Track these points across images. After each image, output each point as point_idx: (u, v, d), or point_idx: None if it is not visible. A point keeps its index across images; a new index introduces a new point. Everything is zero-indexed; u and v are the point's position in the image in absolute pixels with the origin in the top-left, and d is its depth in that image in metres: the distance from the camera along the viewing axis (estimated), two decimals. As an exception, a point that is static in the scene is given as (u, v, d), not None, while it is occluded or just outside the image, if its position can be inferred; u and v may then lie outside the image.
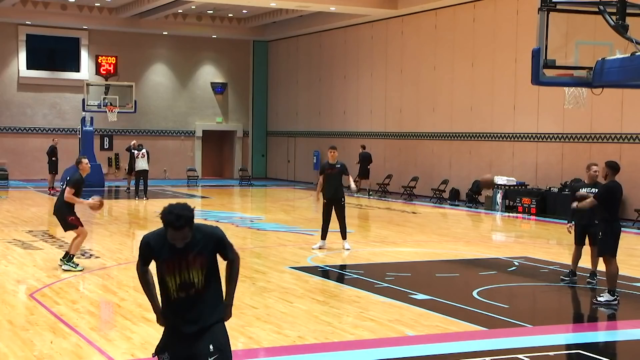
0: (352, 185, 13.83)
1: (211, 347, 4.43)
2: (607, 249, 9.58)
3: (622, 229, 9.97)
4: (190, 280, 4.44)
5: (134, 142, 25.57)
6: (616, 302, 9.46)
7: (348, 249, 13.52)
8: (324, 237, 13.68)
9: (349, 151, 29.74)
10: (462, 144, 24.70)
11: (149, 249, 4.52)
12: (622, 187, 9.98)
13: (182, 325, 4.52)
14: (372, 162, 26.45)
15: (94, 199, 11.06)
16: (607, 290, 9.56)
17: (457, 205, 23.23)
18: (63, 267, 11.21)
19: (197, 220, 4.48)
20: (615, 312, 9.36)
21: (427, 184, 25.26)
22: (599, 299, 9.55)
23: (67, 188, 11.18)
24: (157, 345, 4.65)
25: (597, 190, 10.26)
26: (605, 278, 9.84)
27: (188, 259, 4.42)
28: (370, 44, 28.89)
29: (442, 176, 24.87)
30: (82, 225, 11.36)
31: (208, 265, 4.47)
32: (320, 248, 13.55)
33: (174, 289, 4.47)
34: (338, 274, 11.69)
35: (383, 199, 25.43)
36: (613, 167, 9.91)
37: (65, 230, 11.64)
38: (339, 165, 13.70)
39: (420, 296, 9.71)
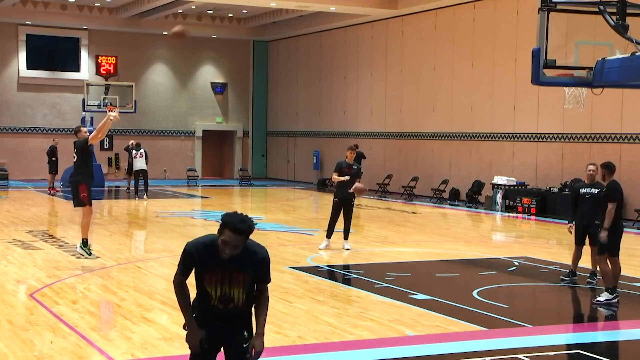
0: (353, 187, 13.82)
1: (246, 333, 4.50)
2: (610, 248, 9.58)
3: (622, 229, 9.98)
4: (230, 296, 4.39)
5: (132, 141, 25.56)
6: (616, 300, 9.46)
7: (348, 249, 13.52)
8: (329, 235, 13.67)
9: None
10: (462, 144, 24.70)
11: (192, 258, 4.38)
12: (622, 187, 9.99)
13: (216, 323, 4.51)
14: (365, 158, 26.58)
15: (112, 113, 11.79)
16: (605, 289, 9.56)
17: (457, 205, 23.22)
18: (77, 249, 11.77)
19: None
20: (615, 311, 9.36)
21: (427, 184, 25.26)
22: (598, 298, 9.55)
23: (90, 136, 12.10)
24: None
25: (597, 190, 10.27)
26: (601, 277, 9.84)
27: (231, 274, 4.35)
28: (370, 44, 28.89)
29: (442, 176, 24.87)
30: (90, 204, 11.70)
31: (248, 286, 4.42)
32: (326, 247, 13.54)
33: (213, 300, 4.41)
34: (338, 274, 11.69)
35: (383, 199, 25.43)
36: (609, 168, 9.94)
37: (74, 206, 11.99)
38: (355, 167, 13.76)
39: (420, 296, 9.70)
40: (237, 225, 4.20)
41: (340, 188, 13.66)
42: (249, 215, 4.31)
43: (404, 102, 27.19)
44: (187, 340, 4.47)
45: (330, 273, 11.65)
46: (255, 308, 4.52)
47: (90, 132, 12.40)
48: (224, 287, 4.36)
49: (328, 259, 12.85)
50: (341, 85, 30.50)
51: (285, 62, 34.42)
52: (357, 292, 10.02)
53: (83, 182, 11.73)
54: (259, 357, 4.43)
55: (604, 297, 9.51)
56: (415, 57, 26.55)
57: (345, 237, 13.72)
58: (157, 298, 9.49)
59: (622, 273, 9.95)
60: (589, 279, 10.77)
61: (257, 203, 25.12)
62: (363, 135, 29.08)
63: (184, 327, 4.53)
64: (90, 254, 11.78)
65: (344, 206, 13.61)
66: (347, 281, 11.05)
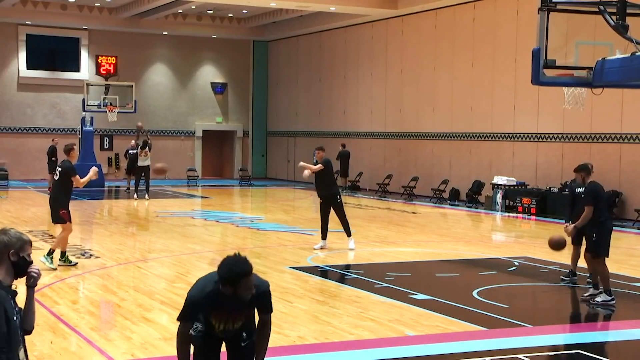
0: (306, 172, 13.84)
1: (244, 334, 4.73)
2: (601, 250, 9.58)
3: (622, 229, 9.98)
4: (233, 328, 4.68)
5: (132, 142, 25.61)
6: (614, 301, 9.47)
7: (352, 249, 13.50)
8: (324, 237, 13.68)
9: (351, 151, 29.75)
10: (462, 144, 24.70)
11: (199, 308, 4.57)
12: (623, 187, 9.97)
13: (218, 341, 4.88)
14: (349, 157, 27.29)
15: (93, 170, 11.74)
16: (603, 291, 9.56)
17: (457, 206, 23.22)
18: (41, 258, 11.26)
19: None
20: (613, 311, 9.36)
21: (427, 184, 25.26)
22: (596, 299, 9.55)
23: (74, 178, 11.50)
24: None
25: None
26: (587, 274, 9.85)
27: (236, 312, 4.61)
28: (370, 44, 28.89)
29: (442, 176, 24.87)
30: (70, 221, 11.51)
31: (249, 317, 4.75)
32: (321, 248, 13.55)
33: (217, 329, 4.69)
34: (338, 274, 11.69)
35: (383, 199, 25.43)
36: (585, 169, 9.94)
37: (53, 222, 11.85)
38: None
39: (420, 296, 9.70)
40: (246, 268, 4.40)
41: (319, 187, 13.68)
42: (240, 257, 4.45)
43: (404, 102, 27.19)
44: None
45: (330, 273, 11.65)
46: (257, 339, 4.76)
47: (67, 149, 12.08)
48: (228, 324, 4.62)
49: (328, 259, 12.85)
50: (341, 85, 30.51)
51: (285, 62, 34.43)
52: (357, 292, 10.01)
53: (61, 206, 11.43)
54: None
55: (601, 298, 9.51)
56: (415, 57, 26.55)
57: (348, 234, 13.71)
58: (157, 298, 9.49)
59: (621, 273, 9.94)
60: (588, 279, 10.76)
61: (257, 203, 25.13)
62: (363, 135, 29.07)
63: None
64: (70, 262, 11.48)
65: (331, 204, 13.61)
66: (347, 281, 11.05)
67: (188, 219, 18.83)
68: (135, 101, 29.30)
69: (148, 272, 11.31)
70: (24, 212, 19.45)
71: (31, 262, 3.80)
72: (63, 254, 11.57)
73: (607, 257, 9.64)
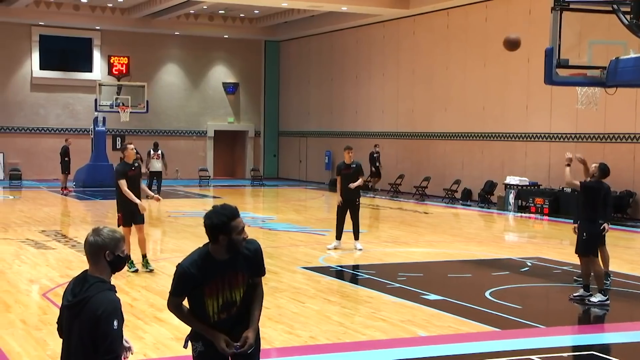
0: (353, 184, 13.75)
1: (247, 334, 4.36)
2: (590, 249, 9.56)
3: (636, 229, 9.93)
4: (232, 300, 4.26)
5: (129, 143, 25.77)
6: (609, 301, 9.44)
7: (360, 250, 13.51)
8: (339, 237, 13.67)
9: (363, 151, 29.71)
10: (474, 144, 24.63)
11: (190, 276, 4.19)
12: (636, 186, 9.92)
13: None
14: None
15: (153, 197, 11.45)
16: (598, 291, 9.54)
17: (469, 206, 23.16)
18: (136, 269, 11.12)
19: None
20: (608, 311, 9.31)
21: (439, 184, 25.20)
22: (592, 300, 9.51)
23: (119, 182, 11.08)
24: (190, 333, 4.41)
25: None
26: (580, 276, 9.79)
27: (230, 278, 4.23)
28: (381, 43, 28.85)
29: (454, 176, 24.80)
30: (122, 224, 11.08)
31: (248, 283, 4.31)
32: (335, 248, 13.54)
33: (214, 312, 4.25)
34: (350, 274, 11.68)
35: (395, 199, 25.40)
36: (603, 170, 9.91)
37: (117, 226, 11.41)
38: (354, 166, 13.73)
39: (433, 297, 9.69)
40: (234, 209, 4.23)
41: (342, 190, 13.65)
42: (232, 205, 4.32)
43: (415, 102, 27.14)
44: (220, 349, 4.23)
45: (342, 273, 11.64)
46: (250, 302, 4.35)
47: (122, 148, 11.67)
48: (225, 293, 4.22)
49: (339, 259, 12.85)
50: (353, 85, 30.48)
51: (296, 62, 34.44)
52: (369, 292, 10.00)
53: (118, 210, 11.24)
54: (249, 349, 4.24)
55: (597, 298, 9.48)
56: (427, 57, 26.49)
57: (356, 237, 13.70)
58: (169, 298, 9.50)
59: (633, 273, 9.89)
60: (577, 278, 10.74)
61: (268, 203, 25.14)
62: (375, 135, 29.04)
63: (184, 346, 4.39)
64: (130, 267, 11.14)
65: (349, 208, 13.60)
66: (359, 281, 11.03)
67: (200, 219, 18.70)
68: (147, 101, 29.40)
69: (160, 271, 11.34)
70: (37, 212, 19.54)
71: (126, 257, 3.87)
72: (142, 257, 11.31)
73: (597, 257, 9.63)
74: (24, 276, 10.93)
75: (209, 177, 31.79)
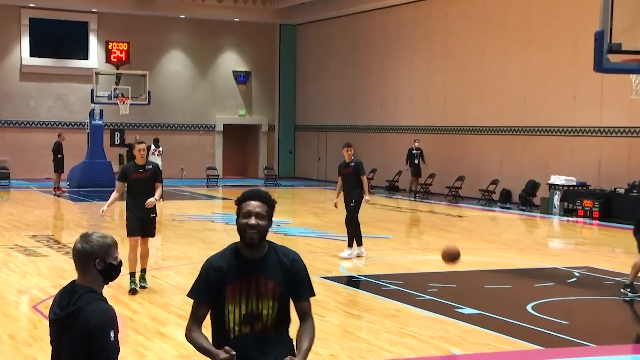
0: (366, 195, 13.67)
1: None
2: None
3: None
4: (257, 311, 4.02)
5: (137, 137, 25.83)
6: None
7: (343, 258, 13.44)
8: (351, 244, 13.66)
9: (389, 147, 29.66)
10: (514, 140, 24.52)
11: (214, 272, 4.02)
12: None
13: None
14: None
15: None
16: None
17: (509, 208, 23.08)
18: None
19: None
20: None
21: (475, 184, 25.12)
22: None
23: (118, 183, 10.95)
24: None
25: None
26: None
27: (258, 281, 4.02)
28: (411, 26, 28.79)
29: (492, 175, 24.71)
30: (128, 234, 10.77)
31: (280, 299, 4.05)
32: (349, 257, 13.53)
33: (235, 322, 4.02)
34: (375, 284, 11.66)
35: (425, 200, 25.35)
36: None
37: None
38: (353, 164, 13.75)
39: (468, 310, 9.67)
40: (250, 193, 4.12)
41: (344, 191, 13.77)
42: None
43: (448, 92, 27.06)
44: None
45: (366, 283, 11.63)
46: (298, 334, 4.12)
47: (130, 146, 11.40)
48: (250, 300, 4.00)
49: (363, 267, 12.84)
50: (378, 74, 30.45)
51: (315, 47, 34.45)
52: (396, 305, 9.99)
53: (126, 216, 10.95)
54: None
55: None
56: (462, 41, 26.40)
57: (349, 244, 13.65)
58: (173, 311, 9.54)
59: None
60: (628, 286, 10.64)
61: (284, 205, 25.17)
62: (402, 129, 28.98)
63: None
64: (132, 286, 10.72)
65: (346, 209, 13.61)
66: (384, 293, 11.02)
67: (207, 222, 18.91)
68: (149, 92, 29.51)
69: (163, 281, 11.38)
70: (27, 215, 19.68)
71: (119, 264, 3.86)
72: (131, 275, 10.72)
73: None
74: (13, 286, 11.00)
75: (218, 176, 31.89)
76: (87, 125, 28.87)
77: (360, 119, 31.54)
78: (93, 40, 32.65)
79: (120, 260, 3.92)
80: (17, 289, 10.86)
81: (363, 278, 11.99)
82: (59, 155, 26.06)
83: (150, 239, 11.00)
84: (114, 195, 10.83)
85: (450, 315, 9.39)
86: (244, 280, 4.03)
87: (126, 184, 10.81)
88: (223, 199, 26.46)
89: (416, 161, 26.40)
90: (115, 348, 3.66)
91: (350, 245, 13.67)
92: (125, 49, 32.67)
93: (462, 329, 8.79)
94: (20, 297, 10.34)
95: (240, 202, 4.11)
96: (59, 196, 25.11)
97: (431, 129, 27.81)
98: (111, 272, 3.83)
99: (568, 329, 8.91)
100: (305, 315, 4.17)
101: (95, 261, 3.77)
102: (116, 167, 30.84)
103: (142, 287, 10.76)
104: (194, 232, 16.86)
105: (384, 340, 8.28)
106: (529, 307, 9.90)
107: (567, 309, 10.21)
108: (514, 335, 8.49)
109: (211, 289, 4.03)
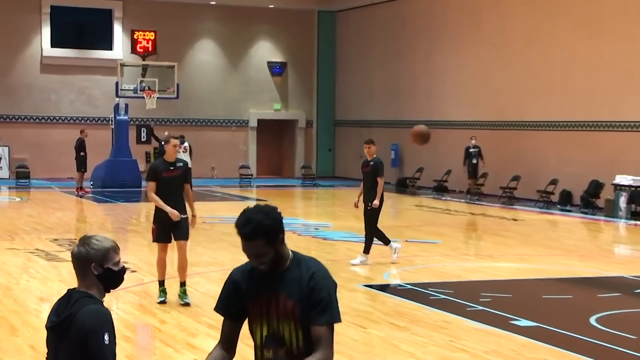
0: (376, 200, 13.57)
1: None
2: None
3: None
4: (279, 334, 3.84)
5: (167, 133, 25.98)
6: None
7: (353, 264, 13.38)
8: (366, 250, 13.62)
9: (437, 144, 29.55)
10: (575, 136, 24.30)
11: (232, 286, 3.95)
12: None
13: None
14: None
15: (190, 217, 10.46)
16: None
17: (570, 211, 22.91)
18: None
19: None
20: None
21: (532, 184, 24.94)
22: None
23: (148, 183, 10.53)
24: None
25: None
26: None
27: (278, 300, 3.83)
28: (460, 12, 28.67)
29: (550, 175, 24.51)
30: (155, 240, 10.60)
31: (303, 321, 3.82)
32: (361, 263, 13.48)
33: (260, 345, 3.91)
34: (422, 294, 11.63)
35: (476, 202, 25.23)
36: None
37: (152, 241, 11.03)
38: (372, 163, 13.72)
39: (524, 322, 9.63)
40: (241, 230, 3.75)
41: (363, 192, 13.76)
42: (273, 208, 3.83)
43: (502, 84, 26.89)
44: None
45: (413, 292, 11.60)
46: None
47: (163, 141, 11.17)
48: (272, 321, 3.85)
49: (409, 275, 12.81)
50: (424, 64, 30.35)
51: (356, 36, 34.42)
52: (446, 316, 9.98)
53: (153, 222, 10.67)
54: None
55: None
56: (517, 27, 26.21)
57: (365, 250, 13.59)
58: (203, 321, 9.59)
59: None
60: None
61: (323, 207, 25.19)
62: (451, 124, 28.86)
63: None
64: (160, 295, 10.58)
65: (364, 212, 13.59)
66: (433, 303, 10.98)
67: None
68: (177, 85, 29.73)
69: (193, 289, 11.45)
70: (48, 217, 19.93)
71: (121, 270, 3.87)
72: (160, 283, 10.64)
73: None
74: (33, 293, 11.14)
75: (252, 175, 32.02)
76: (112, 121, 29.14)
77: (405, 113, 31.44)
78: (118, 29, 32.95)
79: (123, 267, 3.92)
80: (37, 296, 11.00)
81: (409, 286, 11.97)
82: (82, 153, 26.28)
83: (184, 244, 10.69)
84: (154, 196, 10.36)
85: (505, 328, 9.34)
86: (264, 297, 3.88)
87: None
88: (257, 200, 26.54)
89: (474, 160, 26.17)
90: (110, 351, 3.68)
91: (366, 251, 13.57)
92: (152, 38, 32.87)
93: (517, 342, 8.75)
94: (41, 305, 10.46)
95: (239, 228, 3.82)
96: (81, 197, 25.38)
97: (483, 124, 27.65)
98: (111, 277, 3.85)
99: (636, 345, 8.80)
100: (317, 345, 3.75)
101: (92, 266, 3.79)
102: (142, 166, 31.10)
103: (186, 305, 10.35)
104: (226, 235, 16.93)
105: (432, 355, 8.26)
106: (592, 320, 9.83)
107: (635, 322, 10.11)
108: (575, 350, 8.43)
109: (231, 302, 3.95)
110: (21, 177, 29.60)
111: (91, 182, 28.15)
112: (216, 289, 11.26)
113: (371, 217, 13.61)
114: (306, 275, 3.83)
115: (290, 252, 3.94)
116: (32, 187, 28.61)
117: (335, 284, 3.91)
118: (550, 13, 25.06)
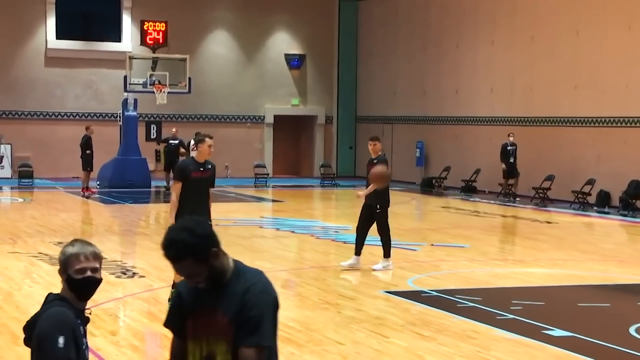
0: (361, 191, 13.59)
1: None
2: None
3: None
4: (213, 356, 3.70)
5: (174, 129, 26.19)
6: None
7: (375, 270, 13.36)
8: (357, 252, 13.57)
9: (465, 142, 29.49)
10: (614, 132, 24.19)
11: (177, 301, 3.84)
12: None
13: None
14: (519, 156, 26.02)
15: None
16: None
17: (607, 213, 22.81)
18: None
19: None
20: None
21: (567, 184, 24.84)
22: None
23: (174, 184, 10.56)
24: None
25: None
26: None
27: (216, 318, 3.67)
28: (492, 2, 28.60)
29: (587, 174, 24.40)
30: None
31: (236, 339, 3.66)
32: (351, 267, 13.44)
33: None
34: (449, 301, 11.60)
35: (507, 204, 25.15)
36: None
37: None
38: (376, 161, 13.72)
39: (558, 332, 9.60)
40: (164, 252, 3.65)
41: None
42: (198, 222, 3.72)
43: (536, 78, 26.81)
44: None
45: (439, 300, 11.58)
46: None
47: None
48: (203, 342, 3.70)
49: (434, 281, 12.80)
50: (453, 57, 30.30)
51: (380, 27, 34.40)
52: (474, 325, 9.96)
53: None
54: None
55: None
56: (551, 18, 26.13)
57: (384, 254, 13.53)
58: (216, 329, 9.59)
59: None
60: None
61: (342, 209, 25.17)
62: (481, 121, 28.79)
63: None
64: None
65: (372, 213, 13.53)
66: (460, 311, 10.96)
67: (256, 228, 19.02)
68: (189, 79, 29.78)
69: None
70: (53, 219, 20.03)
71: (82, 280, 3.86)
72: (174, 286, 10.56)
73: None
74: (36, 299, 11.19)
75: (267, 175, 32.04)
76: (120, 117, 29.24)
77: (431, 109, 31.41)
78: (126, 20, 33.07)
79: (88, 276, 3.88)
80: (41, 302, 11.00)
81: (435, 293, 11.94)
82: (88, 151, 26.34)
83: None
84: (175, 200, 10.35)
85: (538, 338, 9.31)
86: (200, 314, 3.72)
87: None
88: (273, 201, 26.57)
89: (511, 159, 25.94)
90: (65, 356, 3.66)
91: (386, 255, 13.52)
92: (162, 29, 32.92)
93: (551, 353, 8.73)
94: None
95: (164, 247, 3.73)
96: (87, 197, 25.47)
97: (515, 120, 27.57)
98: (77, 286, 3.87)
99: (678, 356, 8.78)
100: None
101: (58, 270, 3.85)
102: (152, 165, 31.28)
103: None
104: (240, 239, 16.96)
105: (460, 366, 8.25)
106: (631, 330, 9.79)
107: (677, 332, 10.04)
108: (613, 362, 8.41)
109: (176, 316, 3.83)
110: (24, 176, 29.66)
111: (98, 182, 28.23)
112: (229, 296, 11.32)
113: (381, 218, 13.53)
114: (242, 289, 3.66)
115: (231, 264, 3.78)
116: (36, 187, 28.73)
117: (274, 301, 3.72)
118: (585, 4, 24.96)
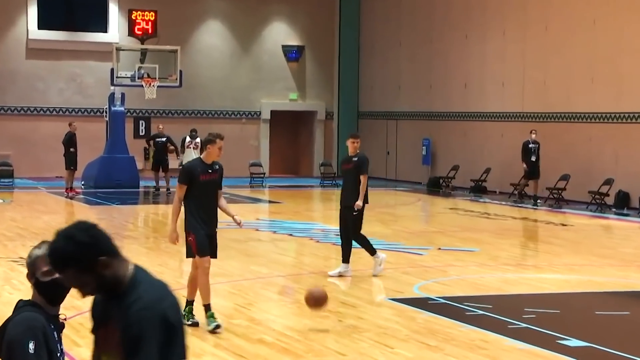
0: (359, 201, 13.45)
1: None
2: None
3: None
4: None
5: (160, 126, 26.24)
6: None
7: (330, 276, 13.30)
8: (345, 259, 13.51)
9: (474, 139, 29.51)
10: (633, 129, 24.20)
11: (93, 307, 3.72)
12: None
13: None
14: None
15: (235, 220, 10.46)
16: None
17: (627, 215, 22.83)
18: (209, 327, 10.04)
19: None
20: None
21: (583, 184, 24.84)
22: None
23: (178, 186, 10.34)
24: None
25: None
26: None
27: (108, 330, 3.55)
28: (502, -11, 28.65)
29: (605, 174, 24.40)
30: (200, 254, 10.14)
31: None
32: (340, 275, 13.38)
33: None
34: (457, 309, 11.61)
35: (519, 205, 25.16)
36: None
37: (186, 256, 10.68)
38: (355, 159, 13.65)
39: (574, 342, 9.60)
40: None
41: (342, 191, 13.85)
42: (81, 229, 3.56)
43: (549, 72, 26.81)
44: None
45: (446, 307, 11.58)
46: None
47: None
48: (102, 355, 3.63)
49: (442, 288, 12.79)
50: (461, 49, 30.30)
51: (383, 17, 34.41)
52: (484, 334, 9.96)
53: (187, 229, 10.17)
54: None
55: None
56: (565, 9, 26.13)
57: (371, 252, 13.50)
58: (208, 339, 9.63)
59: None
60: None
61: (344, 210, 25.15)
62: (492, 116, 28.78)
63: None
64: (212, 322, 10.09)
65: (346, 216, 13.54)
66: (469, 319, 10.96)
67: (251, 231, 19.00)
68: (180, 71, 29.78)
69: (198, 303, 11.44)
70: (34, 222, 20.01)
71: (50, 282, 3.88)
72: (188, 303, 10.31)
73: None
74: (17, 306, 11.18)
75: (264, 174, 32.03)
76: (106, 113, 29.20)
77: (438, 105, 31.41)
78: (113, 9, 33.04)
79: (56, 279, 3.85)
80: (21, 310, 11.02)
81: (442, 300, 11.95)
82: (72, 149, 26.29)
83: (181, 250, 10.78)
84: (178, 205, 10.23)
85: (552, 348, 9.31)
86: (101, 325, 3.63)
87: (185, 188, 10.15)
88: (270, 202, 26.56)
89: (533, 158, 25.68)
90: None
91: (344, 260, 13.47)
92: (151, 19, 33.00)
93: (566, 365, 8.73)
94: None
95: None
96: (71, 198, 25.44)
97: (527, 116, 27.57)
98: (43, 289, 3.88)
99: (702, 367, 8.78)
100: None
101: (27, 275, 3.86)
102: (140, 164, 31.26)
103: (216, 329, 9.94)
104: (235, 242, 16.95)
105: (469, 378, 8.25)
106: (651, 339, 9.80)
107: (701, 342, 10.04)
108: (633, 374, 8.42)
109: (91, 325, 3.73)
110: (4, 176, 29.61)
111: (82, 182, 28.22)
112: (224, 304, 11.33)
113: (355, 221, 13.47)
114: (129, 303, 3.48)
115: (130, 271, 3.58)
116: (16, 187, 28.69)
117: (162, 318, 3.48)
118: (604, -10, 25.02)
